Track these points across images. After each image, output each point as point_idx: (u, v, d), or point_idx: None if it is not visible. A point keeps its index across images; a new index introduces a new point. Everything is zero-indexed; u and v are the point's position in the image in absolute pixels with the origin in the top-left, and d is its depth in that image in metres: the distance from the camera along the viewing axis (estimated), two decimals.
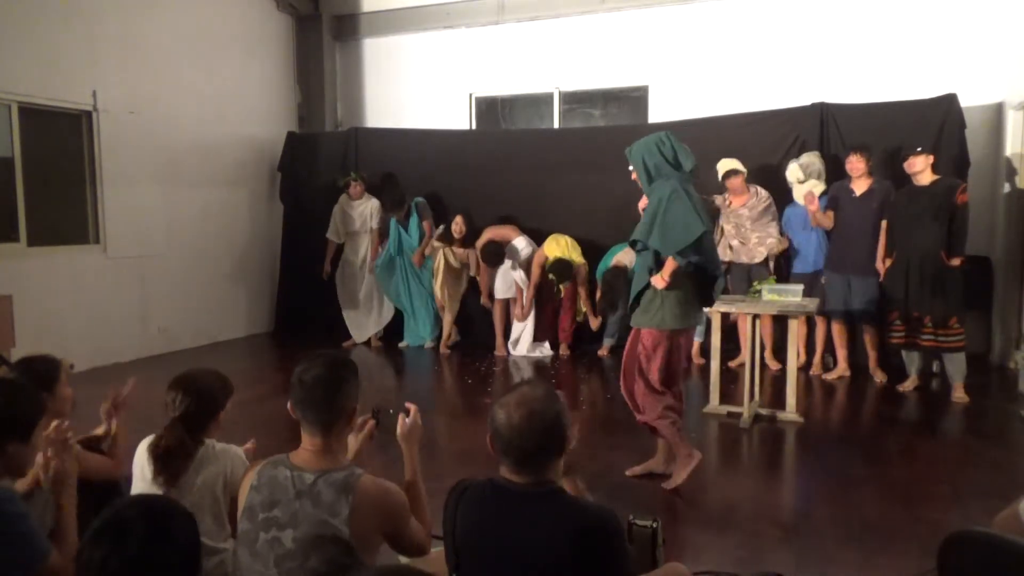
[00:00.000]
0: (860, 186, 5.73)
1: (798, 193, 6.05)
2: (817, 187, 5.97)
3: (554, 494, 1.76)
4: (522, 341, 7.11)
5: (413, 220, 7.35)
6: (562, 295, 6.92)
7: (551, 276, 6.74)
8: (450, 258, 7.22)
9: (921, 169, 5.39)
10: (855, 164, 5.71)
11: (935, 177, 5.35)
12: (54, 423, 2.10)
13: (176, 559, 1.35)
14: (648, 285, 3.72)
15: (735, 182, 6.14)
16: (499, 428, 1.76)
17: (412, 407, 2.33)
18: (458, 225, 7.23)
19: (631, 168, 3.87)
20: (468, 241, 7.26)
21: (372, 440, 2.37)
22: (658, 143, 3.75)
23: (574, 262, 6.74)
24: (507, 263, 7.02)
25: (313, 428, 1.96)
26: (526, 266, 6.98)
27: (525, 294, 6.99)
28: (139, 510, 1.36)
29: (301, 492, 1.87)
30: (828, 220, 5.82)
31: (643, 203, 3.92)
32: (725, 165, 6.18)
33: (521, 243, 7.02)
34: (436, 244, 7.27)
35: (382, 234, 7.52)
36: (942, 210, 5.23)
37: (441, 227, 7.34)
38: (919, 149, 5.36)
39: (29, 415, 2.03)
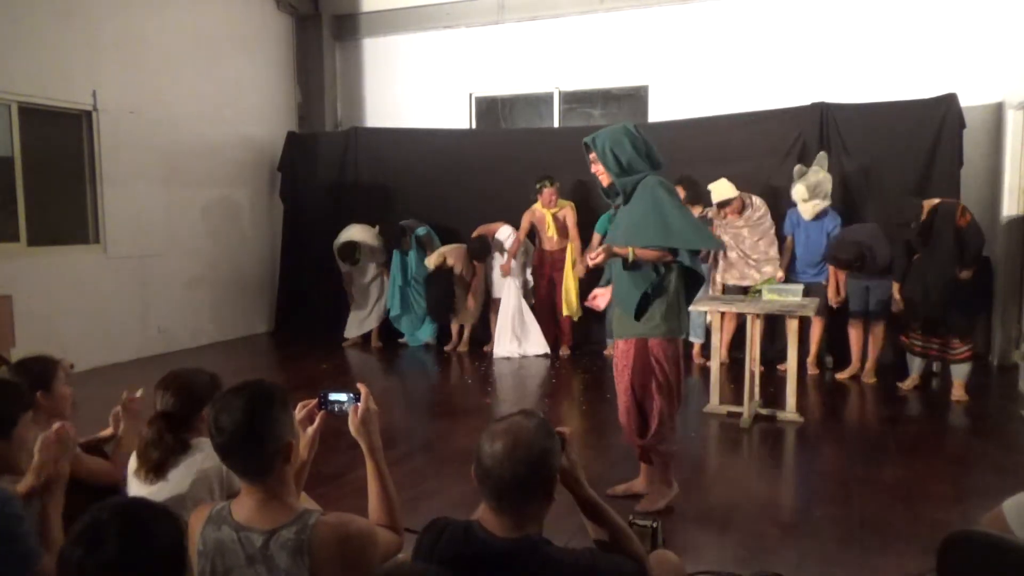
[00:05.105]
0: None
1: (803, 210, 6.00)
2: (819, 205, 5.93)
3: (534, 548, 1.60)
4: (513, 339, 7.08)
5: (414, 253, 7.30)
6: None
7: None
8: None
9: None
10: None
11: (934, 202, 5.33)
12: (56, 424, 2.06)
13: (156, 562, 1.31)
14: (654, 291, 3.37)
15: (731, 206, 6.16)
16: (481, 456, 1.62)
17: (363, 389, 1.99)
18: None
19: (591, 159, 3.55)
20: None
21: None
22: (630, 136, 3.45)
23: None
24: (496, 256, 7.15)
25: (246, 478, 1.73)
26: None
27: (507, 258, 7.06)
28: (115, 512, 1.32)
29: (253, 558, 1.68)
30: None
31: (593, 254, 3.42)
32: (720, 193, 6.10)
33: (505, 232, 7.10)
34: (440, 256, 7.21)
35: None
36: (944, 234, 5.23)
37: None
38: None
39: (8, 411, 1.98)
